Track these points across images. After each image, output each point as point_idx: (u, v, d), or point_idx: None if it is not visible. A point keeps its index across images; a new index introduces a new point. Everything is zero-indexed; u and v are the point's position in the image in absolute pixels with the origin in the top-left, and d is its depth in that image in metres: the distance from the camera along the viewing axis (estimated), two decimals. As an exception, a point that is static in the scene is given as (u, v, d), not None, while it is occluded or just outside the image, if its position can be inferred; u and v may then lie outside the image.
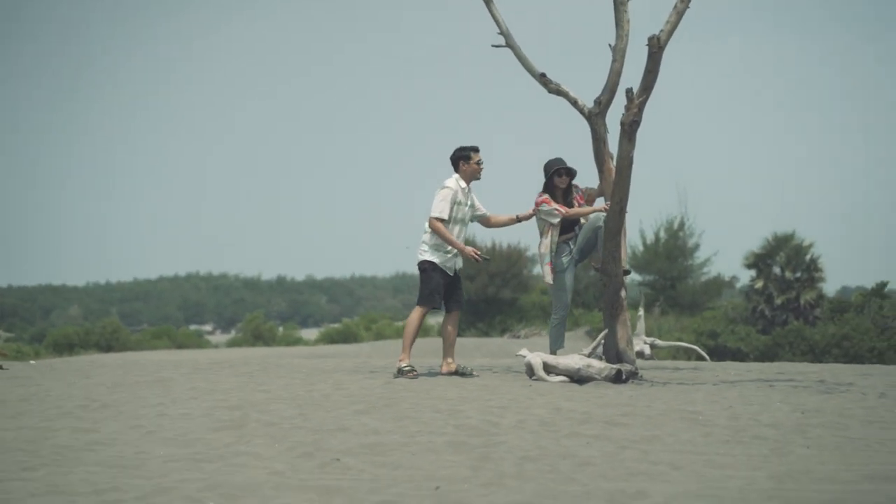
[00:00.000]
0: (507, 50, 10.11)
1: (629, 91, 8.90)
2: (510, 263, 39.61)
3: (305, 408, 7.25)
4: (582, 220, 9.57)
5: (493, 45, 10.17)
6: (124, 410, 7.29)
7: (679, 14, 8.97)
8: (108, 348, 35.22)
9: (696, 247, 37.95)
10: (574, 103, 9.71)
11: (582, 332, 31.41)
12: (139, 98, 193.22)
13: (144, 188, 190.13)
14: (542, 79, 9.88)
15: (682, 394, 8.20)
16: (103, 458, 5.67)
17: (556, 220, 9.39)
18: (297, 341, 42.52)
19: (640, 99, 8.89)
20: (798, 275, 29.50)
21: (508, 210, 9.67)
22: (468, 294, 34.15)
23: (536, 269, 38.91)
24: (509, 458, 5.63)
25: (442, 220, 9.04)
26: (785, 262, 29.62)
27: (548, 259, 9.45)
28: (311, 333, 56.54)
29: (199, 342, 42.78)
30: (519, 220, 9.56)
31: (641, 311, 16.38)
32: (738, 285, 36.80)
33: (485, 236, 38.85)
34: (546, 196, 9.44)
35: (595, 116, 9.55)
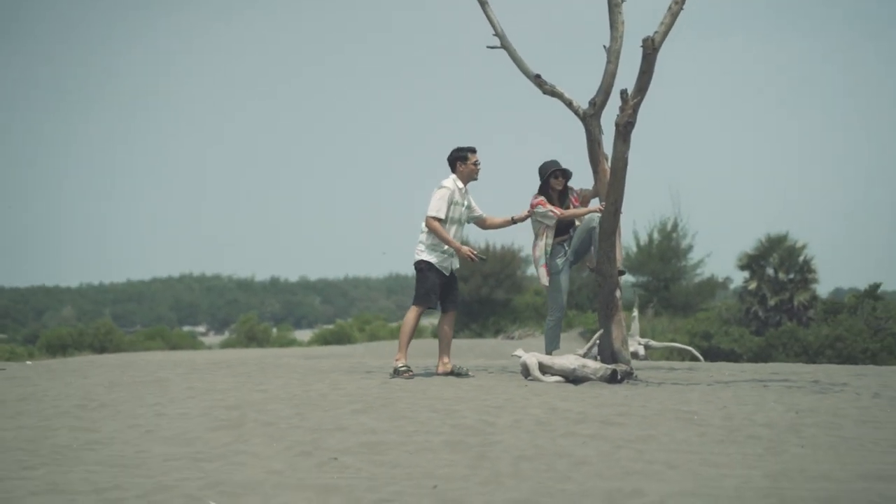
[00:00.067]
0: (503, 51, 10.14)
1: (624, 92, 8.93)
2: (504, 264, 39.64)
3: (303, 407, 7.28)
4: (577, 222, 9.60)
5: (488, 47, 10.19)
6: (122, 410, 7.31)
7: (673, 15, 9.01)
8: (101, 349, 35.09)
9: (690, 248, 37.89)
10: (569, 104, 9.73)
11: (576, 333, 31.44)
12: (134, 100, 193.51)
13: (138, 189, 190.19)
14: (537, 80, 9.91)
15: (677, 394, 8.23)
16: (103, 457, 5.69)
17: (552, 222, 9.42)
18: (291, 342, 42.41)
19: (635, 100, 8.92)
20: (791, 276, 29.58)
21: (503, 212, 9.58)
22: (462, 295, 34.12)
23: (530, 271, 38.98)
24: (506, 457, 5.66)
25: (439, 220, 9.06)
26: (778, 263, 29.70)
27: (543, 261, 9.48)
28: (304, 335, 56.37)
29: (192, 343, 42.69)
30: (514, 221, 9.55)
31: (636, 312, 16.43)
32: (732, 286, 36.84)
33: (479, 237, 38.92)
34: (542, 198, 9.46)
35: (590, 118, 9.57)
